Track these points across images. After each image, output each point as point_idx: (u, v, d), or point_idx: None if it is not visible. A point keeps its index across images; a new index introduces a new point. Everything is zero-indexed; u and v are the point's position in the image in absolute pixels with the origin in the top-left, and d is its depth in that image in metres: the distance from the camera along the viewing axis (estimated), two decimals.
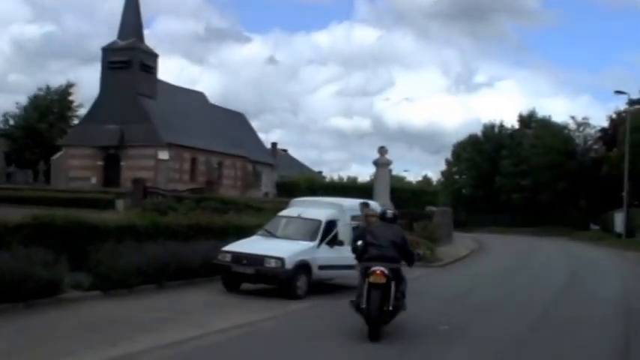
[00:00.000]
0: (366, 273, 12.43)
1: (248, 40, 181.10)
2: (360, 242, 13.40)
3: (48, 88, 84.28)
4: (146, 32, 73.75)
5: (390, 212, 14.12)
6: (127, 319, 13.05)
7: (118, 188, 56.77)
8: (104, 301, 14.94)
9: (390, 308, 12.29)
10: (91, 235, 16.62)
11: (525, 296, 20.50)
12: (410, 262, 13.75)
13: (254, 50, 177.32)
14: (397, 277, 12.63)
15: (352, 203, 19.95)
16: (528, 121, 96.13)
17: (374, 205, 20.45)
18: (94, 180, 65.79)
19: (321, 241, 18.17)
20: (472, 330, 14.05)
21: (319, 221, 18.60)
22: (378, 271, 12.18)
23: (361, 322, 12.57)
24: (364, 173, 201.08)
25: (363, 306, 12.16)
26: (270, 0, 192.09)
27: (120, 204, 43.67)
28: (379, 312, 12.09)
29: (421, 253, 15.19)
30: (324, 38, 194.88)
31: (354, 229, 17.23)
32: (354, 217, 18.36)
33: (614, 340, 13.95)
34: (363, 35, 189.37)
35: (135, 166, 63.78)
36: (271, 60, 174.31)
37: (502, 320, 15.67)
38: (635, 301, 20.34)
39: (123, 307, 14.47)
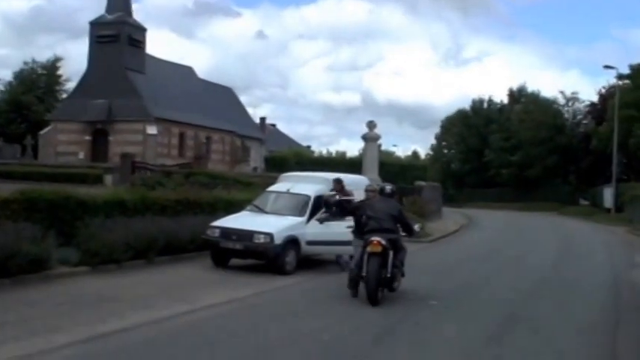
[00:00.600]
0: (365, 244, 13.50)
1: (237, 14, 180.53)
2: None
3: (33, 61, 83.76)
4: (135, 6, 73.43)
5: (388, 188, 15.32)
6: (115, 295, 13.03)
7: (106, 163, 56.59)
8: (92, 276, 14.92)
9: (388, 275, 13.43)
10: (79, 210, 16.58)
11: (514, 271, 20.62)
12: (410, 233, 14.78)
13: (243, 25, 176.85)
14: (395, 246, 13.71)
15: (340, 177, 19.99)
16: (518, 95, 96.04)
17: (359, 179, 20.47)
18: (81, 155, 65.54)
19: (310, 216, 18.18)
20: (461, 305, 14.16)
21: (308, 196, 18.59)
22: (375, 241, 13.30)
23: (349, 296, 13.52)
24: (353, 148, 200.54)
25: (364, 274, 13.28)
26: None
27: (108, 179, 43.53)
28: (377, 279, 13.15)
29: (418, 228, 15.69)
30: (313, 13, 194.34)
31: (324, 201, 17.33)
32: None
33: (603, 312, 14.10)
34: (352, 9, 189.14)
35: (123, 141, 63.50)
36: (260, 34, 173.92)
37: (491, 294, 15.74)
38: (623, 276, 20.43)
39: (111, 282, 14.46)
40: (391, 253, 13.52)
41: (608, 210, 58.08)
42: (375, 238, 13.35)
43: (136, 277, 15.42)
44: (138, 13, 73.40)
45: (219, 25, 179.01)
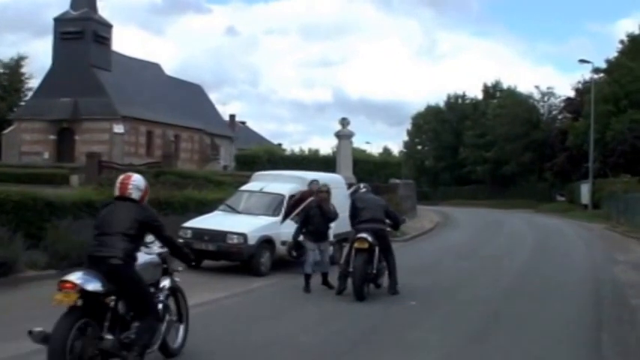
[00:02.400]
0: (354, 239, 14.20)
1: (208, 10, 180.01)
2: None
3: None
4: (101, 3, 73.13)
5: (366, 186, 16.07)
6: None
7: (72, 163, 56.27)
8: None
9: (374, 271, 14.15)
10: (47, 211, 16.42)
11: (494, 269, 20.64)
12: (396, 227, 15.98)
13: (214, 21, 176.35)
14: (382, 241, 14.37)
15: (316, 176, 19.95)
16: (493, 91, 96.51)
17: (334, 178, 20.45)
18: (46, 155, 65.17)
19: (285, 215, 18.14)
20: (441, 305, 14.18)
21: (282, 195, 18.56)
22: (361, 238, 13.93)
23: (325, 297, 13.79)
24: (325, 145, 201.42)
25: (351, 269, 13.89)
26: None
27: (74, 179, 43.29)
28: (363, 274, 13.80)
29: (405, 219, 16.28)
30: (284, 8, 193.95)
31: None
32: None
33: (586, 310, 14.16)
34: (324, 5, 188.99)
35: (89, 140, 63.31)
36: (231, 30, 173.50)
37: (471, 294, 15.75)
38: (605, 273, 20.53)
39: None
40: (377, 249, 14.13)
41: (585, 206, 58.33)
42: (362, 235, 13.96)
43: None
44: (104, 10, 73.60)
45: (189, 22, 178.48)
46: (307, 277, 14.99)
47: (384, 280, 14.81)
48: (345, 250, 15.27)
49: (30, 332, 7.59)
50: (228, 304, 13.60)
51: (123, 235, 7.87)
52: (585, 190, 59.72)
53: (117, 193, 8.43)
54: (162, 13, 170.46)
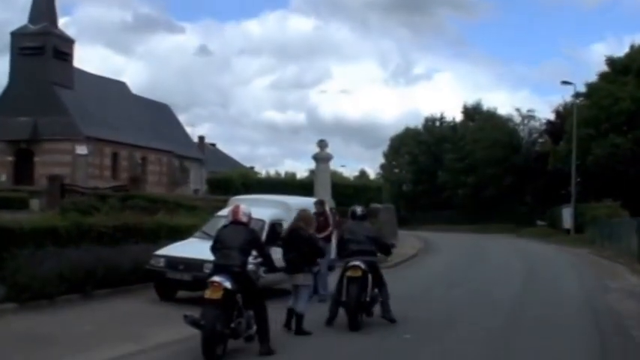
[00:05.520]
0: (345, 267, 14.10)
1: (180, 29, 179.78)
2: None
3: None
4: (66, 19, 72.69)
5: (359, 210, 15.33)
6: (50, 336, 12.19)
7: (31, 186, 55.33)
8: (22, 314, 14.05)
9: (368, 299, 14.01)
10: (5, 239, 15.62)
11: (485, 297, 20.28)
12: (387, 253, 15.94)
13: (185, 40, 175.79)
14: (374, 270, 14.29)
15: (299, 201, 19.38)
16: (473, 113, 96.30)
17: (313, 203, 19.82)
18: (3, 177, 64.24)
19: (265, 243, 17.44)
20: (438, 338, 13.61)
21: (262, 221, 17.78)
22: (355, 266, 13.81)
23: (315, 328, 13.28)
24: (299, 169, 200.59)
25: (344, 299, 13.73)
26: None
27: (35, 203, 42.57)
28: (357, 303, 13.65)
29: (395, 243, 15.95)
30: (256, 27, 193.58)
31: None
32: None
33: (590, 345, 13.63)
34: (298, 25, 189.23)
35: (50, 162, 62.37)
36: (203, 50, 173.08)
37: (466, 326, 15.17)
38: (599, 302, 20.20)
39: (44, 321, 13.60)
40: (370, 277, 14.06)
41: (568, 231, 58.47)
42: (355, 263, 13.84)
43: (72, 313, 14.60)
44: (71, 27, 72.77)
45: (160, 41, 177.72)
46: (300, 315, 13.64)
47: (376, 308, 14.52)
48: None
49: (185, 316, 10.72)
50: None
51: (239, 249, 11.22)
52: (567, 215, 59.82)
53: (230, 218, 12.02)
54: (133, 32, 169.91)
